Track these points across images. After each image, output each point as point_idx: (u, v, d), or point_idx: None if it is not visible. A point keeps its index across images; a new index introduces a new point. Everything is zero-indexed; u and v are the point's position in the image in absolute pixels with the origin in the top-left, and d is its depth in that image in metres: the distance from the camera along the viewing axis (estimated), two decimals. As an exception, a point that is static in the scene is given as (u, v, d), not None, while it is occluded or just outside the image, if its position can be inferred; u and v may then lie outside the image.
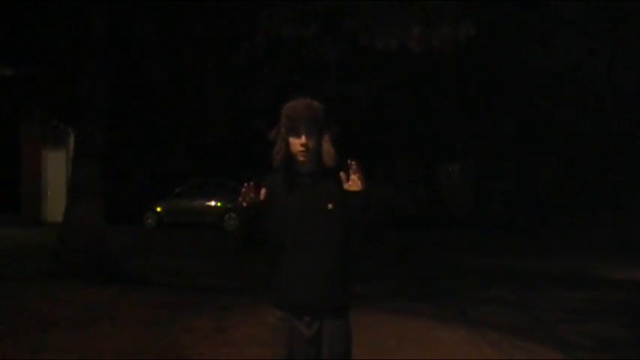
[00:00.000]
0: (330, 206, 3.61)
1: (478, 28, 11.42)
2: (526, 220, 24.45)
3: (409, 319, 8.99)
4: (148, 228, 24.25)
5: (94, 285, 10.76)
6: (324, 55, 11.88)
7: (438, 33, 11.19)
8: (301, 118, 3.59)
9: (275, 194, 3.68)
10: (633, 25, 21.95)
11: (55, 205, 22.14)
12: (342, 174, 3.54)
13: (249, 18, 11.46)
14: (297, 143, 3.61)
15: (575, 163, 26.61)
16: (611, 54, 24.34)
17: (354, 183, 3.54)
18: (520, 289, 11.83)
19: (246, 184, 3.59)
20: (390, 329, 8.38)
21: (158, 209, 24.69)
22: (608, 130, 25.73)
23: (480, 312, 9.68)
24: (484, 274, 13.52)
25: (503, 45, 19.93)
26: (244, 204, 3.58)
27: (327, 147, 3.65)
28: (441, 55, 12.24)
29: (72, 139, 17.80)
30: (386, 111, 23.70)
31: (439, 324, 8.76)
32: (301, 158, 3.63)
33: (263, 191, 3.63)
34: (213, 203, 24.64)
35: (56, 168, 24.20)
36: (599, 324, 9.17)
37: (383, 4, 11.06)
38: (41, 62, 13.14)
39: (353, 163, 3.52)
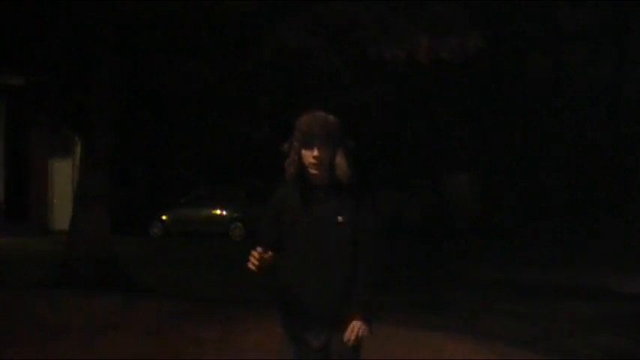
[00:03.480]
0: (340, 219, 3.59)
1: (487, 40, 11.42)
2: (534, 231, 24.38)
3: (416, 331, 8.94)
4: (154, 237, 24.28)
5: (101, 294, 10.75)
6: (331, 65, 11.88)
7: (447, 44, 11.19)
8: (313, 132, 3.57)
9: (285, 206, 3.68)
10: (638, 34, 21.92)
11: (62, 213, 22.17)
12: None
13: (257, 27, 11.48)
14: (309, 156, 3.59)
15: (584, 174, 26.54)
16: (617, 64, 24.30)
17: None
18: (528, 300, 11.77)
19: (254, 253, 3.50)
20: (396, 340, 8.32)
21: (164, 218, 24.73)
22: (617, 140, 25.67)
23: (487, 323, 9.64)
24: (491, 285, 13.47)
25: (511, 56, 19.94)
26: (255, 270, 3.54)
27: (341, 161, 3.62)
28: (450, 66, 12.23)
29: (79, 148, 17.85)
30: (393, 121, 23.71)
31: (446, 335, 8.71)
32: (313, 171, 3.61)
33: (269, 253, 3.54)
34: (219, 212, 24.65)
35: (63, 176, 24.27)
36: (608, 336, 9.11)
37: (391, 15, 11.06)
38: (50, 71, 13.18)
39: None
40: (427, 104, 24.39)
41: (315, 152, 3.57)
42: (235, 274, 14.14)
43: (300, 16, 11.14)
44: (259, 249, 3.48)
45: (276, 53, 11.54)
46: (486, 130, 25.87)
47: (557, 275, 15.05)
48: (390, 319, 9.57)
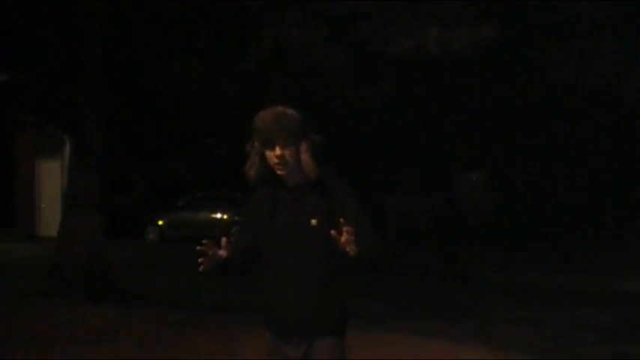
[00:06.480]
0: (313, 222, 3.54)
1: (500, 31, 11.47)
2: (549, 234, 24.37)
3: (426, 340, 8.98)
4: (150, 242, 24.35)
5: (93, 303, 10.85)
6: (334, 59, 11.94)
7: (458, 34, 11.26)
8: (272, 130, 3.54)
9: (261, 211, 3.70)
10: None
11: (50, 217, 22.19)
12: (333, 232, 3.36)
13: (257, 22, 11.55)
14: (272, 156, 3.58)
15: (600, 175, 26.48)
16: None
17: (347, 247, 3.37)
18: (545, 306, 11.83)
19: (199, 248, 3.53)
20: (405, 350, 8.38)
21: (160, 223, 24.79)
22: (633, 141, 25.60)
23: (501, 331, 9.69)
24: (506, 291, 13.52)
25: (527, 48, 19.92)
26: (204, 268, 3.57)
27: (306, 158, 3.58)
28: (460, 59, 12.29)
29: (67, 148, 17.91)
30: (400, 117, 23.72)
31: (458, 345, 8.77)
32: (279, 172, 3.60)
33: (223, 241, 3.61)
34: (218, 216, 24.71)
35: (51, 178, 24.16)
36: (627, 343, 9.15)
37: (398, 5, 11.12)
38: (37, 67, 13.24)
39: (346, 229, 3.34)
40: (437, 99, 24.39)
41: (277, 151, 3.55)
42: (235, 281, 14.25)
43: (300, 8, 11.21)
44: (204, 241, 3.53)
45: (276, 50, 11.62)
46: (501, 127, 25.82)
47: (573, 280, 15.07)
48: (398, 327, 9.67)
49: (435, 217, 26.92)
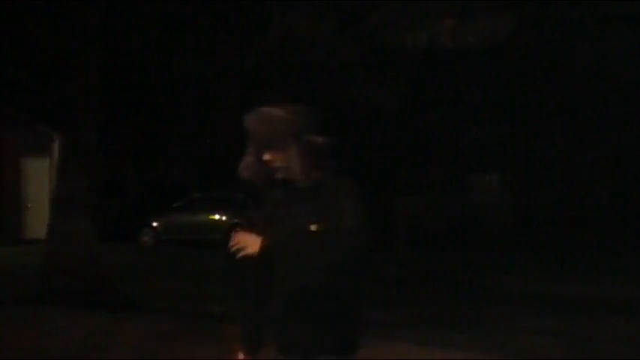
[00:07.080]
0: (313, 227, 3.46)
1: (519, 22, 11.44)
2: (572, 239, 24.32)
3: (438, 351, 8.98)
4: (145, 246, 24.36)
5: (85, 312, 10.84)
6: (342, 54, 11.91)
7: (474, 27, 11.22)
8: (258, 132, 3.54)
9: (267, 214, 3.68)
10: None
11: (36, 220, 22.14)
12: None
13: (261, 14, 11.53)
14: (264, 159, 3.57)
15: (628, 177, 26.40)
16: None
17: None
18: (566, 317, 11.78)
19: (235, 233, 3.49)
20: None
21: (155, 225, 24.80)
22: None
23: (520, 343, 9.66)
24: (524, 300, 13.48)
25: (549, 42, 19.87)
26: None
27: (296, 163, 3.52)
28: (476, 53, 12.27)
29: (56, 146, 17.87)
30: (413, 116, 23.73)
31: (473, 357, 8.75)
32: (277, 175, 3.57)
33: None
34: (216, 218, 24.71)
35: (38, 177, 24.04)
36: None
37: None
38: (26, 62, 13.23)
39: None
40: (451, 96, 24.37)
41: (267, 156, 3.55)
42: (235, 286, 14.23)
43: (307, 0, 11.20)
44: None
45: (281, 44, 11.60)
46: (520, 125, 25.79)
47: (598, 287, 15.03)
48: (410, 337, 9.63)
49: (450, 221, 26.91)
